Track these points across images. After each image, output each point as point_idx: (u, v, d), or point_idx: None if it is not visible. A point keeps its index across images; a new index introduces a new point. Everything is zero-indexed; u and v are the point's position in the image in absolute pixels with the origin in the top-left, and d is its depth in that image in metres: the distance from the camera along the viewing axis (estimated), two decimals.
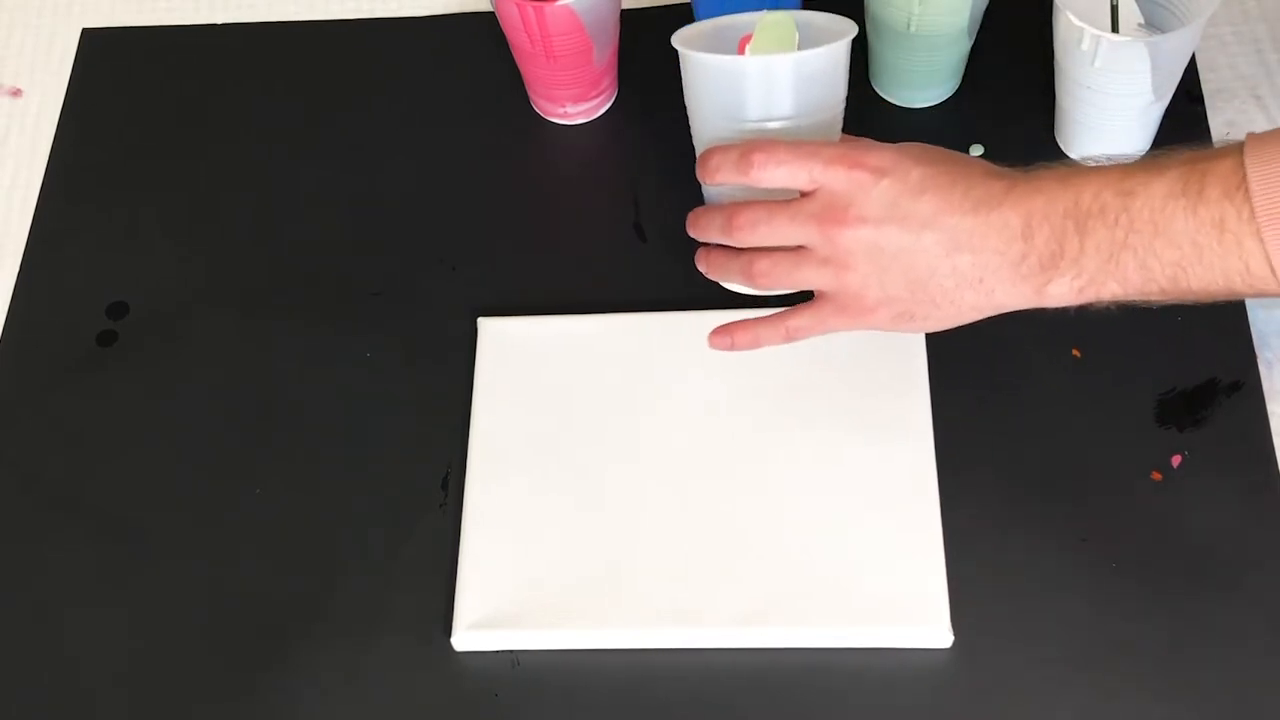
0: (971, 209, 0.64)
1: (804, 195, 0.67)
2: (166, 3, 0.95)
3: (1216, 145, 0.62)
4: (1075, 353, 0.76)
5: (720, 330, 0.73)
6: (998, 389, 0.76)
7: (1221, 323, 0.76)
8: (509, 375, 0.77)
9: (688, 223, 0.72)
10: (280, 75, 0.91)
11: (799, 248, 0.67)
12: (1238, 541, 0.71)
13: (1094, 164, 0.64)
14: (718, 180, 0.68)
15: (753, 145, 0.67)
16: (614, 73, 0.86)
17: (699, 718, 0.69)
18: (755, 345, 0.72)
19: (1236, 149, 0.60)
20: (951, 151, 0.67)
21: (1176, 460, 0.73)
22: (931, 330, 0.69)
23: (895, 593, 0.69)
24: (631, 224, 0.83)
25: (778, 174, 0.66)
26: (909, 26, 0.80)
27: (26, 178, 0.89)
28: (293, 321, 0.82)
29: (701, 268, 0.73)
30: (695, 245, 0.81)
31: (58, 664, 0.73)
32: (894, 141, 0.68)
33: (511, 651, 0.71)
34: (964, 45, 0.83)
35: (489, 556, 0.72)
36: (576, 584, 0.71)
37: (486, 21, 0.91)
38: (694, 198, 0.83)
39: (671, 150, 0.85)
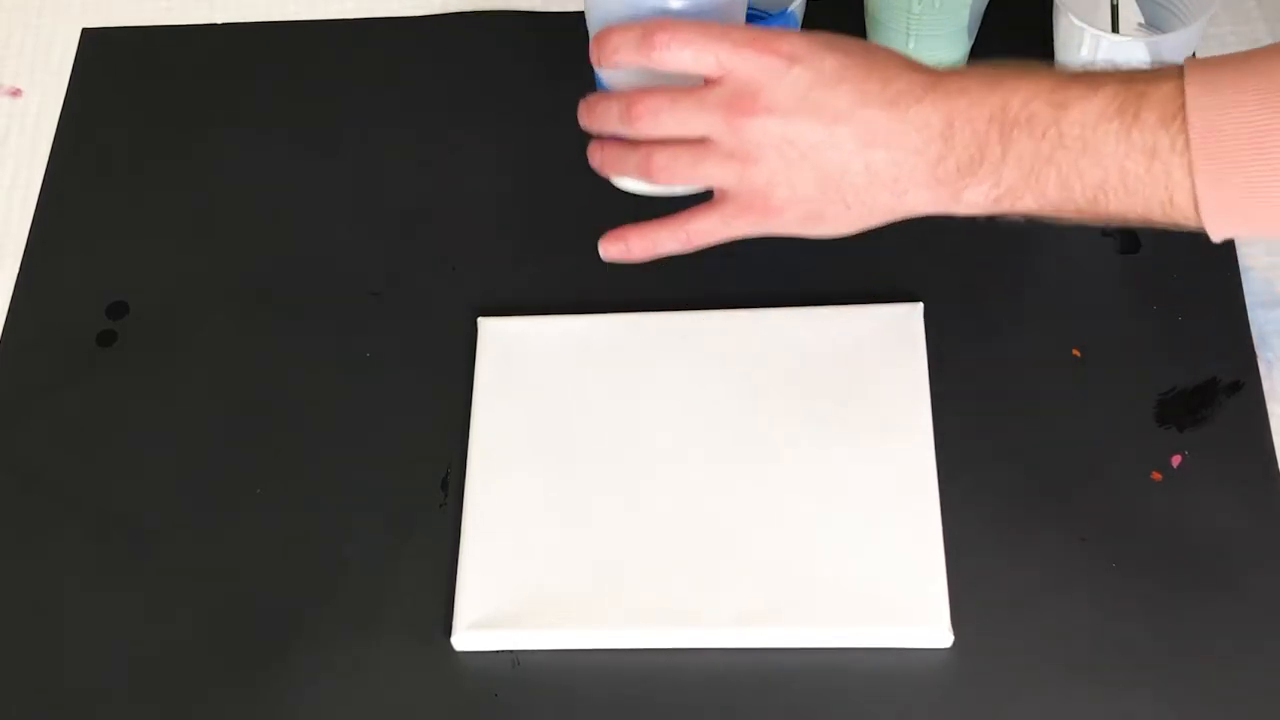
0: (889, 103, 0.61)
1: (709, 82, 0.63)
2: (166, 3, 0.95)
3: (1153, 67, 0.59)
4: (1075, 353, 0.76)
5: (612, 235, 0.68)
6: (998, 389, 0.76)
7: (1221, 323, 0.76)
8: (509, 375, 0.77)
9: (580, 111, 0.67)
10: (280, 75, 0.91)
11: (701, 141, 0.63)
12: (1238, 541, 0.71)
13: (1019, 66, 0.61)
14: (615, 61, 0.64)
15: (656, 24, 0.62)
16: None
17: (699, 718, 0.69)
18: (653, 252, 0.68)
19: (1176, 73, 0.58)
20: (868, 42, 0.64)
21: (1176, 460, 0.73)
22: (838, 234, 0.65)
23: (895, 593, 0.69)
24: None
25: (682, 55, 0.62)
26: (908, 26, 0.80)
27: (26, 178, 0.89)
28: (293, 321, 0.82)
29: (594, 162, 0.68)
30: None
31: (58, 663, 0.73)
32: None
33: (511, 651, 0.71)
34: (964, 45, 0.83)
35: (489, 556, 0.72)
36: (576, 584, 0.71)
37: (486, 21, 0.91)
38: (694, 198, 0.83)
39: None
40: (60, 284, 0.84)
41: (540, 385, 0.77)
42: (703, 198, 0.67)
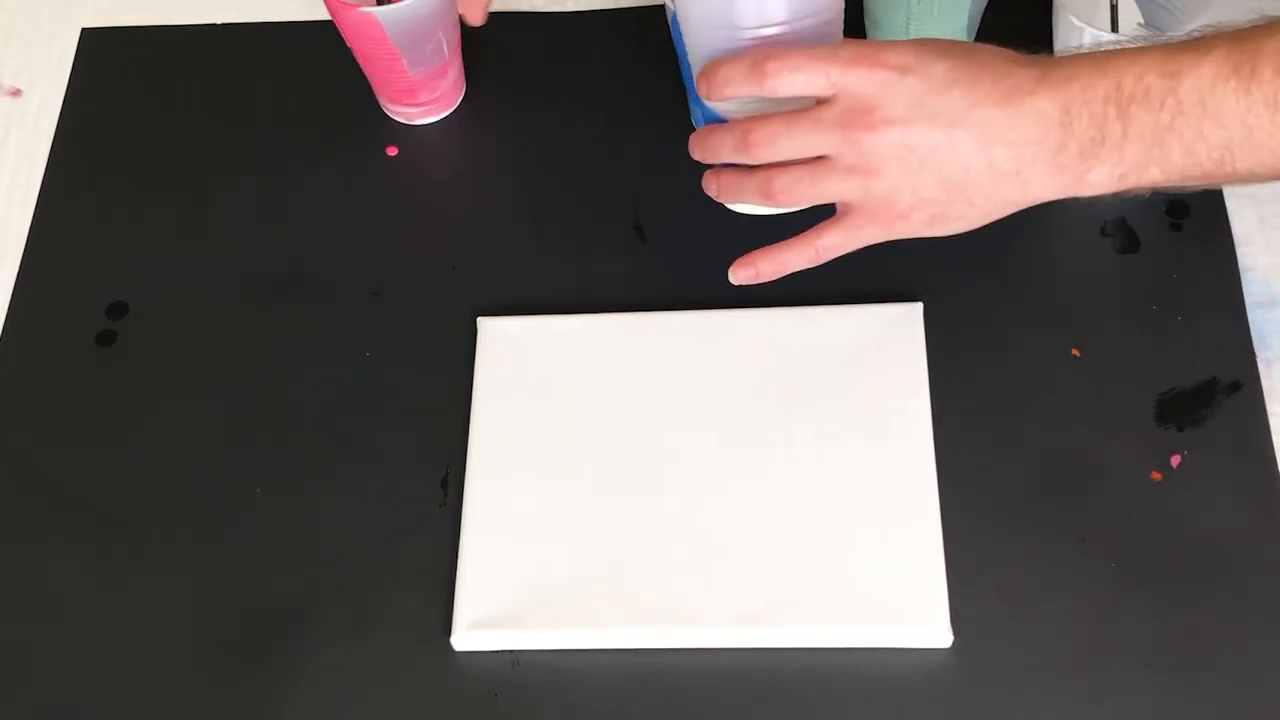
0: (1003, 99, 0.61)
1: (821, 102, 0.64)
2: (166, 3, 0.95)
3: (1258, 22, 0.59)
4: (1075, 353, 0.76)
5: (743, 262, 0.69)
6: (998, 389, 0.76)
7: (1221, 323, 0.76)
8: (509, 375, 0.77)
9: (692, 144, 0.68)
10: (280, 75, 0.91)
11: (819, 159, 0.64)
12: (1237, 541, 0.71)
13: (1124, 46, 0.62)
14: (728, 94, 0.65)
15: (764, 53, 0.63)
16: (437, 84, 0.86)
17: (699, 718, 0.69)
18: (782, 271, 0.69)
19: None
20: (970, 43, 0.64)
21: (1176, 460, 0.73)
22: (966, 229, 0.66)
23: (895, 593, 0.69)
24: (631, 224, 0.83)
25: (794, 80, 0.63)
26: (907, 26, 0.80)
27: (26, 178, 0.89)
28: (293, 321, 0.82)
29: (711, 191, 0.69)
30: (695, 246, 0.82)
31: (57, 663, 0.73)
32: None
33: (511, 651, 0.71)
34: None
35: (489, 556, 0.72)
36: (576, 584, 0.71)
37: (486, 21, 0.91)
38: (696, 199, 0.83)
39: (672, 151, 0.85)
40: (60, 284, 0.84)
41: (540, 385, 0.77)
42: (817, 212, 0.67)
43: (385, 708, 0.70)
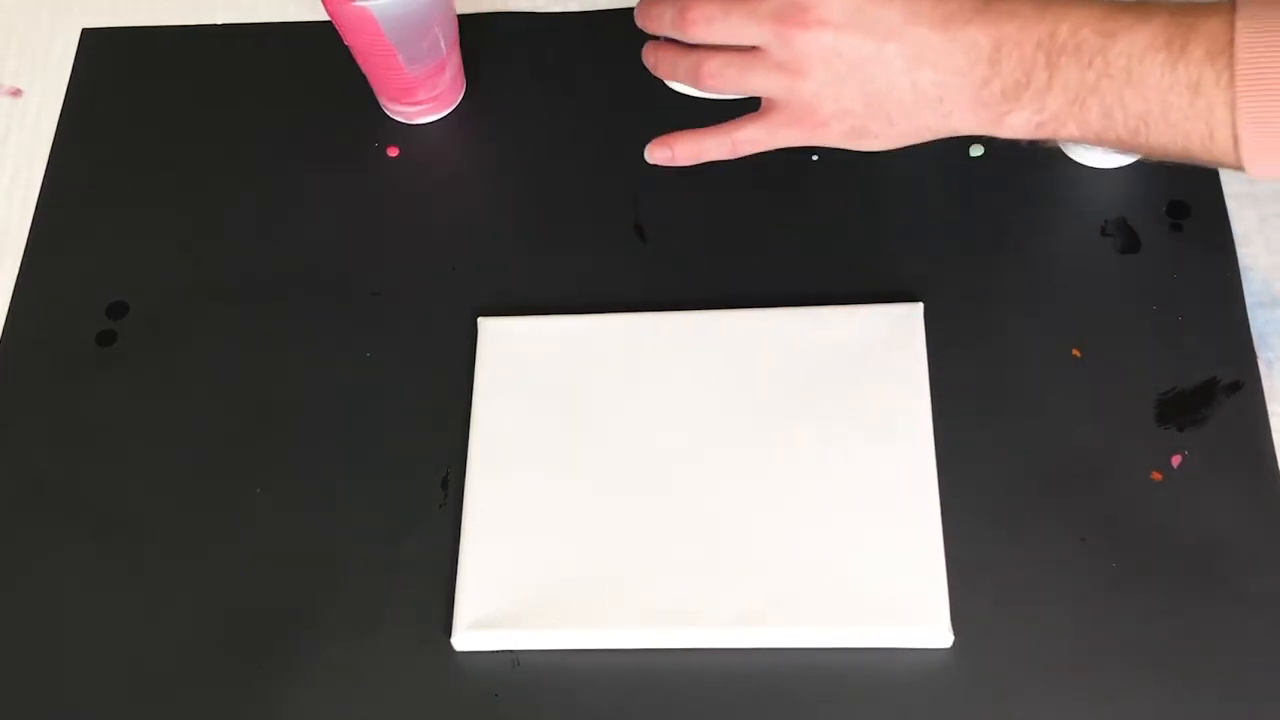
0: (940, 23, 0.62)
1: None
2: (166, 3, 0.95)
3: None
4: (1075, 353, 0.76)
5: (659, 141, 0.69)
6: (998, 389, 0.76)
7: (1221, 323, 0.76)
8: (509, 375, 0.77)
9: (636, 11, 0.69)
10: (280, 75, 0.91)
11: (752, 50, 0.64)
12: (1237, 541, 0.71)
13: None
14: None
15: None
16: (435, 81, 0.86)
17: (699, 718, 0.69)
18: (698, 158, 0.69)
19: (1228, 8, 0.58)
20: None
21: (1176, 460, 0.73)
22: (882, 149, 0.66)
23: (895, 593, 0.69)
24: (631, 224, 0.83)
25: None
26: None
27: (26, 178, 0.89)
28: (292, 321, 0.82)
29: (649, 63, 0.70)
30: (695, 246, 0.82)
31: (57, 664, 0.73)
32: None
33: (511, 651, 0.71)
34: None
35: (489, 556, 0.72)
36: (576, 584, 0.71)
37: (485, 22, 0.91)
38: (696, 199, 0.83)
39: None
40: (60, 284, 0.84)
41: (540, 385, 0.77)
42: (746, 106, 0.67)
43: (385, 708, 0.70)
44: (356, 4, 0.78)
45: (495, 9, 0.92)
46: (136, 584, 0.74)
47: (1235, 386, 0.75)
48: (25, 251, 0.85)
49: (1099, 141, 0.62)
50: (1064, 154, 0.82)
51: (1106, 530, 0.71)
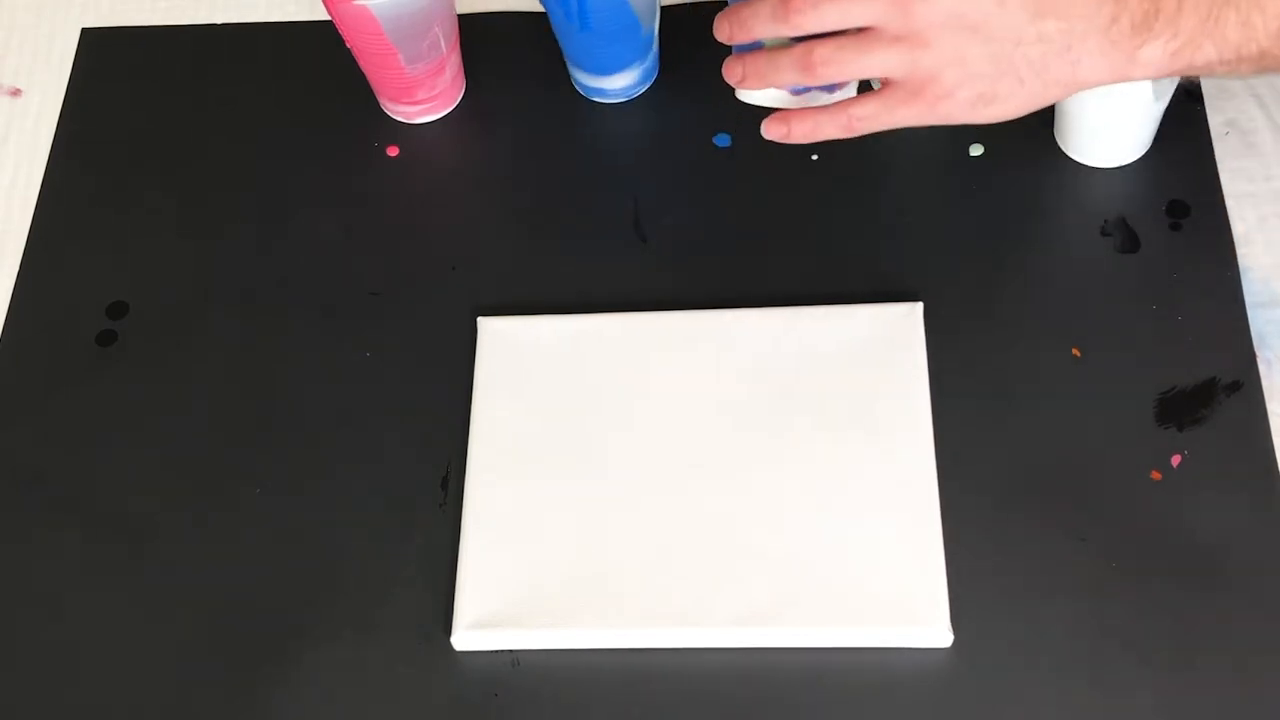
0: None
1: None
2: (166, 2, 0.95)
3: None
4: (1075, 353, 0.76)
5: (776, 118, 0.66)
6: (998, 389, 0.76)
7: (1221, 323, 0.76)
8: (509, 375, 0.77)
9: (718, 23, 0.65)
10: (280, 75, 0.91)
11: (863, 29, 0.62)
12: (1237, 541, 0.71)
13: None
14: None
15: None
16: (435, 80, 0.86)
17: (699, 718, 0.69)
18: (813, 136, 0.66)
19: None
20: None
21: (1176, 460, 0.73)
22: (1009, 116, 0.64)
23: (895, 593, 0.69)
24: (631, 224, 0.83)
25: None
26: None
27: (26, 178, 0.89)
28: (293, 321, 0.82)
29: (733, 77, 0.66)
30: (695, 246, 0.82)
31: (57, 664, 0.73)
32: None
33: (511, 651, 0.71)
34: None
35: (489, 556, 0.72)
36: (576, 584, 0.71)
37: (483, 20, 0.91)
38: (696, 199, 0.83)
39: (673, 151, 0.86)
40: (60, 284, 0.84)
41: (540, 385, 0.77)
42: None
43: (385, 708, 0.70)
44: (357, 3, 0.78)
45: (495, 9, 0.92)
46: (136, 584, 0.74)
47: (1235, 386, 0.75)
48: (25, 251, 0.85)
49: (1238, 59, 0.59)
50: (1063, 151, 0.82)
51: (1106, 530, 0.71)
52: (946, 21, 0.61)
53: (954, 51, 0.61)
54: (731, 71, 0.66)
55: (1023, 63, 0.61)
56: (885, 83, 0.64)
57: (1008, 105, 0.63)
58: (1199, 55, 0.60)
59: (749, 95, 0.68)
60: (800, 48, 0.63)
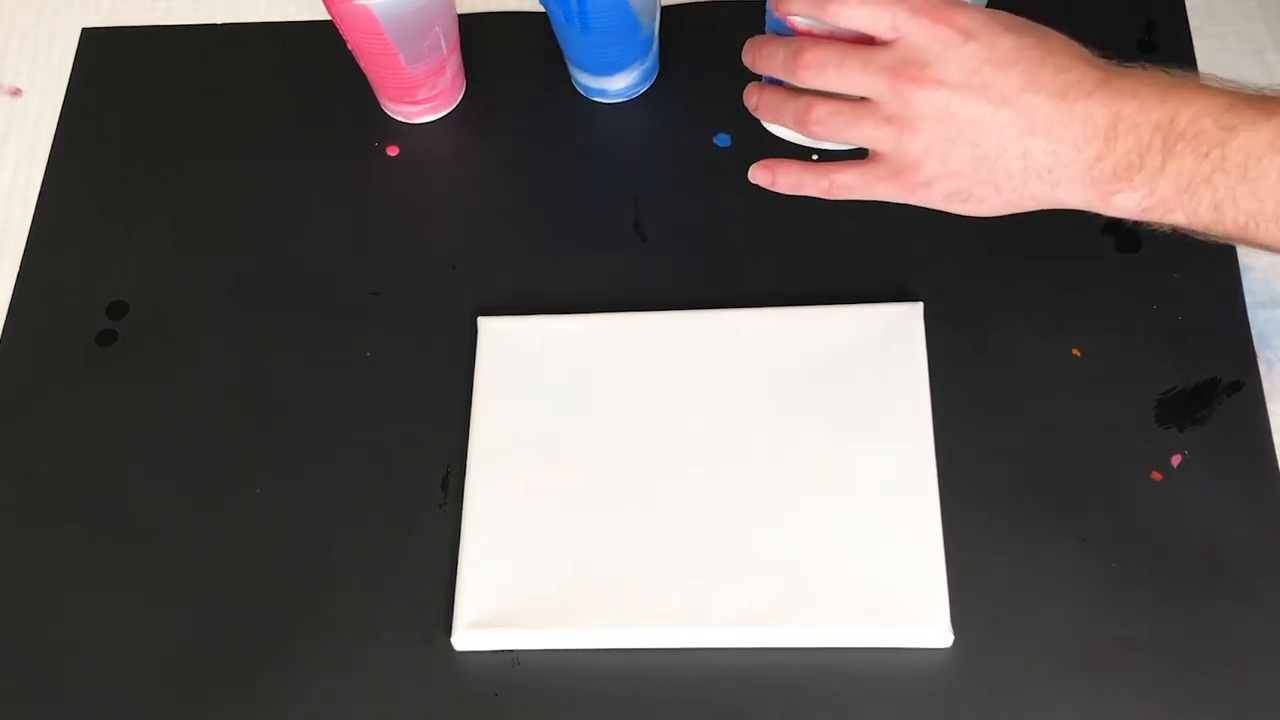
0: (1059, 93, 0.60)
1: (879, 43, 0.63)
2: (166, 3, 0.95)
3: None
4: (1075, 353, 0.76)
5: (765, 164, 0.68)
6: (998, 389, 0.76)
7: (1221, 323, 0.76)
8: (509, 375, 0.77)
9: (745, 51, 0.67)
10: (280, 75, 0.91)
11: (862, 100, 0.63)
12: (1238, 541, 0.71)
13: (1195, 80, 0.60)
14: (793, 9, 0.64)
15: None
16: (435, 80, 0.86)
17: (699, 718, 0.69)
18: (796, 189, 0.68)
19: None
20: (1044, 27, 0.63)
21: (1176, 460, 0.73)
22: (985, 215, 0.65)
23: (895, 593, 0.69)
24: (631, 224, 0.83)
25: (860, 14, 0.62)
26: None
27: (26, 178, 0.89)
28: (292, 321, 0.82)
29: (750, 104, 0.68)
30: (695, 246, 0.82)
31: (57, 664, 0.73)
32: None
33: (511, 651, 0.71)
34: None
35: (489, 556, 0.72)
36: (576, 584, 0.71)
37: (483, 20, 0.91)
38: (696, 199, 0.83)
39: (672, 151, 0.85)
40: (60, 284, 0.84)
41: (540, 385, 0.77)
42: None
43: (385, 708, 0.70)
44: (357, 3, 0.78)
45: (495, 9, 0.92)
46: (136, 584, 0.74)
47: (1235, 386, 0.75)
48: (25, 251, 0.85)
49: (1205, 231, 0.61)
50: None
51: (1106, 530, 0.71)
52: (938, 115, 0.62)
53: (938, 145, 0.62)
54: (749, 97, 0.68)
55: (1002, 173, 0.62)
56: (872, 155, 0.65)
57: (982, 206, 0.64)
58: (1169, 217, 0.61)
59: (771, 127, 0.71)
60: (803, 101, 0.65)
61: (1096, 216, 0.81)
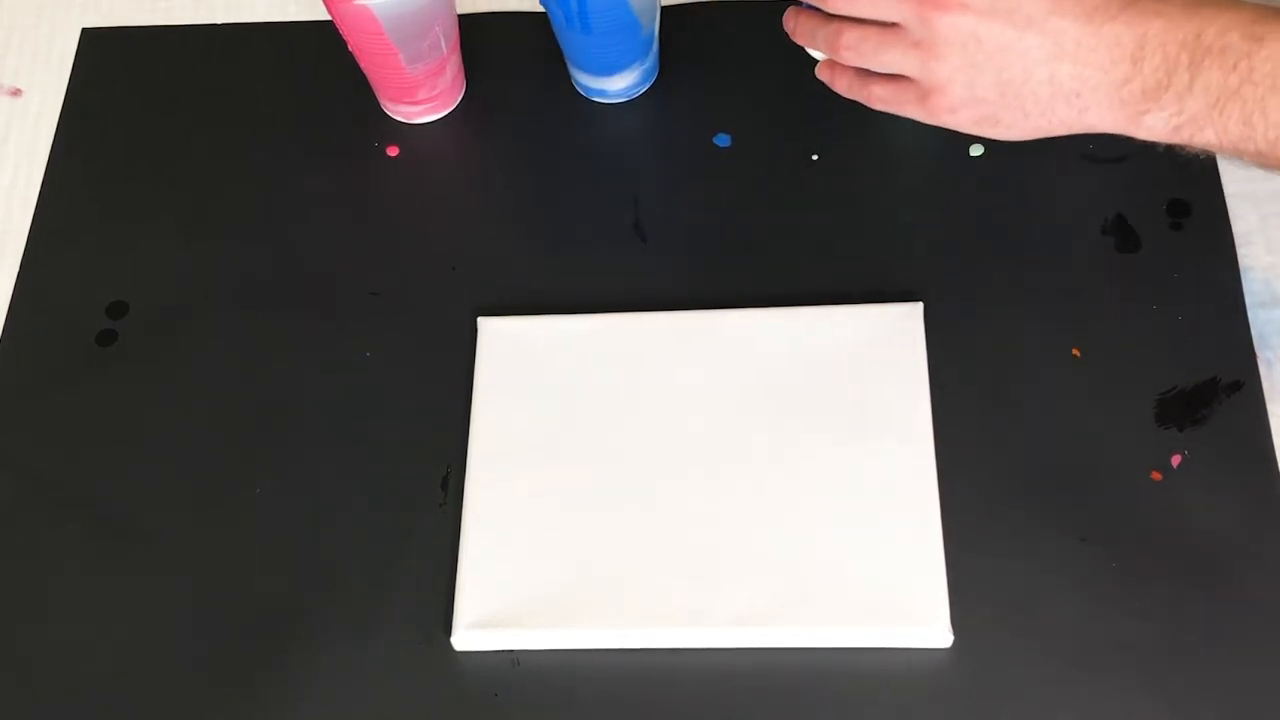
0: (1084, 16, 0.60)
1: None
2: (166, 2, 0.95)
3: None
4: (1075, 353, 0.76)
5: (826, 64, 0.70)
6: (998, 389, 0.76)
7: (1221, 323, 0.76)
8: (509, 375, 0.77)
9: None
10: (280, 75, 0.91)
11: (891, 26, 0.64)
12: (1237, 541, 0.71)
13: None
14: None
15: None
16: (435, 80, 0.86)
17: (699, 718, 0.69)
18: (849, 93, 0.69)
19: None
20: None
21: (1176, 460, 0.73)
22: (1014, 139, 0.65)
23: (895, 593, 0.69)
24: (631, 224, 0.83)
25: None
26: None
27: (26, 178, 0.89)
28: (292, 321, 0.82)
29: (788, 26, 0.71)
30: (695, 246, 0.82)
31: (57, 663, 0.73)
32: None
33: (511, 651, 0.71)
34: None
35: (489, 556, 0.72)
36: (576, 584, 0.71)
37: (483, 20, 0.91)
38: (696, 199, 0.83)
39: (672, 151, 0.85)
40: (60, 284, 0.84)
41: (540, 385, 0.77)
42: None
43: (385, 708, 0.70)
44: (357, 3, 0.78)
45: (495, 9, 0.92)
46: (135, 584, 0.74)
47: (1235, 386, 0.75)
48: (25, 251, 0.85)
49: (1236, 151, 0.60)
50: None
51: (1106, 530, 0.71)
52: (963, 40, 0.62)
53: (964, 70, 0.63)
54: (787, 21, 0.70)
55: (1030, 98, 0.62)
56: (902, 77, 0.66)
57: (1011, 131, 0.64)
58: (1199, 136, 0.60)
59: (809, 50, 0.72)
60: (833, 26, 0.66)
61: (1096, 217, 0.81)
